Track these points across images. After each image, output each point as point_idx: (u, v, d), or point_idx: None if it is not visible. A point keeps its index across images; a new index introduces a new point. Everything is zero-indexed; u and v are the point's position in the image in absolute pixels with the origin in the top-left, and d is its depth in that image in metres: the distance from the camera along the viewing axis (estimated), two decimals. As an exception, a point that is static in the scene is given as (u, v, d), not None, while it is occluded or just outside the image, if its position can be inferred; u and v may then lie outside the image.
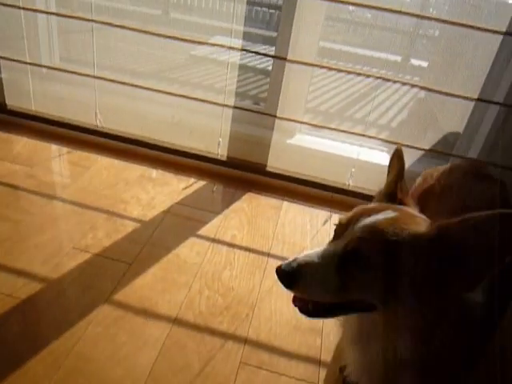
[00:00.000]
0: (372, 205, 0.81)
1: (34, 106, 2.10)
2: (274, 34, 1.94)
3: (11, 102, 2.11)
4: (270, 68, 2.02)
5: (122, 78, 1.99)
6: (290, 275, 0.72)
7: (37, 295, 1.28)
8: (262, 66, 2.30)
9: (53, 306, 1.26)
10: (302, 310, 0.78)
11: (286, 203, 1.86)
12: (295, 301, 0.79)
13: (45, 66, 2.14)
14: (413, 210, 0.80)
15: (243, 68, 1.96)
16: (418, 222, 0.73)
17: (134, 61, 2.85)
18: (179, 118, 2.04)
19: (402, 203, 0.83)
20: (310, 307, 0.77)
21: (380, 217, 0.73)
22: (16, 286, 1.29)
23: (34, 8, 2.01)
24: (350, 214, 0.77)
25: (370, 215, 0.73)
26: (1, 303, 1.23)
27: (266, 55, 1.83)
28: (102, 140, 2.03)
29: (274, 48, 1.92)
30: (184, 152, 1.98)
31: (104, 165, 1.92)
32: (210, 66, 3.34)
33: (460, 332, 0.73)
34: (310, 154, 1.96)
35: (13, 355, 1.12)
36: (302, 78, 1.90)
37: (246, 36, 1.90)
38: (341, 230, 0.76)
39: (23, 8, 1.94)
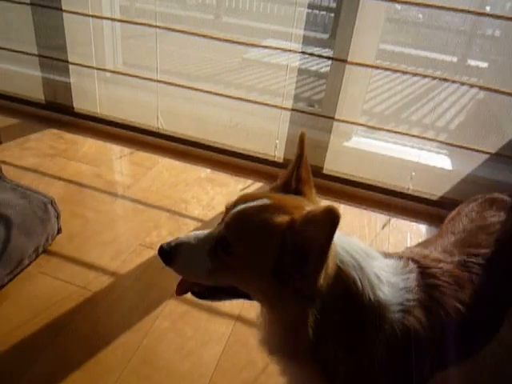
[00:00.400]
0: (255, 192, 0.79)
1: (99, 109, 2.22)
2: (326, 36, 1.93)
3: (78, 105, 2.24)
4: (323, 70, 2.03)
5: (179, 81, 2.06)
6: (166, 253, 0.74)
7: (107, 289, 1.35)
8: (315, 67, 2.31)
9: (122, 299, 1.33)
10: (192, 292, 0.81)
11: (343, 206, 1.86)
12: (180, 284, 0.81)
13: (109, 71, 2.25)
14: (299, 200, 0.76)
15: (298, 70, 1.97)
16: (290, 212, 0.69)
17: (190, 64, 2.94)
18: (237, 120, 2.08)
19: (299, 192, 0.79)
20: (196, 289, 0.80)
21: (250, 204, 0.72)
22: (88, 278, 1.37)
23: (102, 15, 2.11)
24: (235, 199, 0.77)
25: (246, 202, 0.73)
26: (75, 294, 1.32)
27: (326, 58, 1.83)
28: (163, 142, 2.11)
29: (326, 50, 1.93)
30: (241, 154, 2.02)
31: (165, 166, 2.00)
32: (263, 68, 3.38)
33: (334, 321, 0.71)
34: (367, 156, 1.95)
35: (87, 344, 1.19)
36: (361, 79, 1.89)
37: (298, 38, 1.91)
38: (225, 214, 0.76)
39: (92, 16, 2.05)
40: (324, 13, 3.10)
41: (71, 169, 1.89)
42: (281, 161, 2.00)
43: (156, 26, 1.94)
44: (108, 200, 1.74)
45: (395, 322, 0.72)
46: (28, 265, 1.37)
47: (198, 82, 2.52)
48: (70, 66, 2.16)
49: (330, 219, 0.60)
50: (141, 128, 2.14)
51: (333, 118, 1.88)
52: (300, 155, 0.81)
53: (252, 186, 1.94)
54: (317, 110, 1.96)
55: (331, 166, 1.95)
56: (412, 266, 0.79)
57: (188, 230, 1.63)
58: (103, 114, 2.20)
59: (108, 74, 2.27)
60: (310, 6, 1.97)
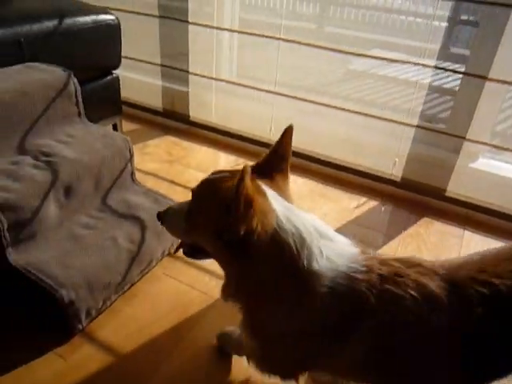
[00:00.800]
0: (227, 168, 0.93)
1: (214, 119, 2.28)
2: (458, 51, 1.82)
3: (194, 113, 2.33)
4: (452, 86, 1.92)
5: (286, 91, 2.06)
6: (159, 215, 0.96)
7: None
8: (440, 83, 2.19)
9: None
10: (183, 252, 0.99)
11: (467, 233, 1.73)
12: (178, 245, 1.01)
13: (226, 81, 2.30)
14: (258, 181, 0.85)
15: (422, 85, 1.88)
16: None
17: (294, 75, 2.94)
18: (352, 134, 2.03)
19: (272, 178, 0.89)
20: (185, 249, 0.98)
21: (212, 176, 0.88)
22: (209, 285, 1.39)
23: (225, 27, 2.18)
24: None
25: (213, 175, 0.89)
26: (198, 299, 1.34)
27: (460, 73, 1.73)
28: (275, 153, 2.11)
29: (458, 65, 1.83)
30: (356, 170, 1.97)
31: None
32: (370, 80, 3.31)
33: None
34: (496, 180, 1.80)
35: (209, 351, 1.20)
36: (496, 98, 1.76)
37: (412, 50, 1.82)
38: None
39: (216, 28, 2.13)
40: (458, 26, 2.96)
41: (188, 176, 1.95)
42: (398, 179, 1.92)
43: (274, 37, 1.96)
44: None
45: (320, 296, 0.79)
46: (154, 266, 1.43)
47: (304, 92, 2.51)
48: (190, 76, 2.26)
49: (238, 178, 0.74)
50: (254, 139, 2.17)
51: (462, 138, 1.76)
52: (278, 144, 0.93)
53: (366, 203, 1.87)
54: (444, 128, 1.85)
55: (455, 187, 1.83)
56: (374, 264, 0.82)
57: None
58: (218, 123, 2.27)
59: (223, 84, 2.33)
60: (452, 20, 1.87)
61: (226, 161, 2.12)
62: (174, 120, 2.36)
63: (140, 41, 2.34)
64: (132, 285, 1.35)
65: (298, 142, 2.10)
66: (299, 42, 1.96)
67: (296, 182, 1.97)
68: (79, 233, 1.31)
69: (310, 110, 2.09)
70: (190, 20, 2.11)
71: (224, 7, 2.17)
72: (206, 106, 2.31)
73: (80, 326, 1.19)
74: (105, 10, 1.81)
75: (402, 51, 2.66)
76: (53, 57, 1.58)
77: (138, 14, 2.20)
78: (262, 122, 2.16)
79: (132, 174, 1.54)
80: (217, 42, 2.23)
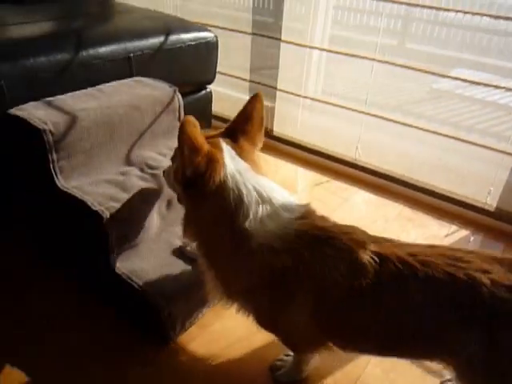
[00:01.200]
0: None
1: (298, 135, 2.29)
2: None
3: (278, 129, 2.35)
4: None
5: (372, 110, 2.03)
6: (163, 172, 1.18)
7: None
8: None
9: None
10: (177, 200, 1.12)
11: None
12: None
13: (313, 99, 2.30)
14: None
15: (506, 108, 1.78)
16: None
17: (374, 92, 2.88)
18: (445, 159, 1.95)
19: (238, 141, 0.99)
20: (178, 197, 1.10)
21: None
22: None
23: (318, 46, 2.18)
24: None
25: None
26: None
27: None
28: (360, 173, 2.08)
29: None
30: (447, 196, 1.89)
31: (362, 198, 1.97)
32: (455, 101, 3.18)
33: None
34: None
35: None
36: None
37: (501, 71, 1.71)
38: None
39: (309, 47, 2.14)
40: None
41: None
42: (492, 209, 1.81)
43: (365, 58, 1.94)
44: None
45: (253, 252, 0.90)
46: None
47: (387, 111, 2.45)
48: (277, 92, 2.28)
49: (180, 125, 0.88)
50: (339, 157, 2.15)
51: None
52: (245, 108, 1.04)
53: (457, 232, 1.79)
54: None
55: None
56: (308, 229, 0.91)
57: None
58: (302, 139, 2.27)
59: (308, 101, 2.33)
60: None
61: (309, 178, 2.12)
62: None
63: (231, 56, 2.39)
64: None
65: (384, 163, 2.10)
66: (387, 62, 1.92)
67: (384, 205, 1.92)
68: (176, 244, 1.36)
69: (397, 131, 2.04)
70: (282, 38, 2.14)
71: (317, 24, 2.18)
72: (291, 121, 2.32)
73: (174, 337, 1.23)
74: (204, 28, 1.87)
75: (489, 71, 2.54)
76: (157, 71, 1.66)
77: (232, 30, 2.26)
78: (348, 140, 2.13)
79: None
80: (307, 59, 2.24)
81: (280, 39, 2.14)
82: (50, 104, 1.32)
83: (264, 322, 1.04)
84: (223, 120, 2.45)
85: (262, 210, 0.91)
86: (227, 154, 0.95)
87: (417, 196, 1.95)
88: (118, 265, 1.24)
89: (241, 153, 0.97)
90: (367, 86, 2.10)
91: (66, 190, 1.23)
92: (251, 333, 1.30)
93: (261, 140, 1.04)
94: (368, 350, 1.04)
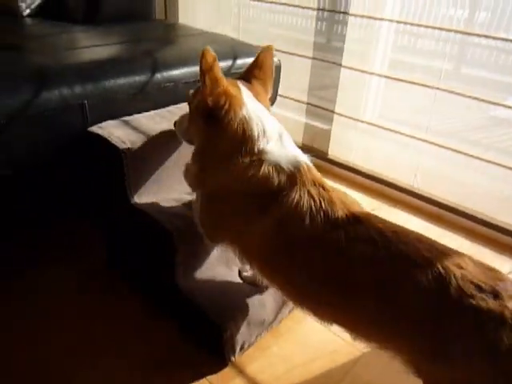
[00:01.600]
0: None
1: (353, 159, 2.29)
2: None
3: (333, 152, 2.35)
4: None
5: (430, 137, 2.00)
6: (175, 124, 1.29)
7: (375, 350, 1.33)
8: None
9: (392, 362, 1.28)
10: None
11: None
12: None
13: (372, 124, 2.28)
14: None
15: None
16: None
17: (434, 119, 2.83)
18: (508, 192, 1.90)
19: (252, 84, 1.16)
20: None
21: None
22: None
23: (378, 73, 2.19)
24: None
25: None
26: (344, 350, 1.33)
27: None
28: (416, 201, 2.05)
29: None
30: (509, 230, 1.83)
31: (420, 227, 1.91)
32: (513, 130, 3.08)
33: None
34: None
35: None
36: None
37: None
38: None
39: (370, 73, 2.15)
40: None
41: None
42: (559, 247, 1.74)
43: (425, 85, 1.92)
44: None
45: (262, 169, 1.03)
46: (300, 307, 1.45)
47: (442, 137, 2.41)
48: (335, 116, 2.29)
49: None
50: (396, 184, 2.13)
51: None
52: (258, 57, 1.18)
53: (521, 269, 1.73)
54: None
55: None
56: (304, 174, 1.07)
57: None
58: (357, 164, 2.26)
59: (366, 126, 2.33)
60: None
61: (365, 204, 2.09)
62: (313, 156, 2.40)
63: (289, 78, 2.43)
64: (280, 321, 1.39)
65: (444, 192, 2.06)
66: (446, 90, 1.90)
67: (442, 236, 1.88)
68: (237, 264, 1.38)
69: (458, 160, 2.00)
70: (343, 62, 2.16)
71: (378, 48, 2.18)
72: (348, 145, 2.32)
73: (233, 358, 1.25)
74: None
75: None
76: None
77: (293, 54, 2.30)
78: (406, 167, 2.11)
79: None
80: (366, 83, 2.24)
81: (340, 64, 2.16)
82: (127, 124, 1.39)
83: (215, 215, 1.15)
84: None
85: (277, 141, 1.09)
86: (244, 92, 1.10)
87: (477, 228, 1.90)
88: (182, 281, 1.27)
89: (255, 94, 1.13)
90: (426, 112, 2.08)
91: (138, 206, 1.29)
92: (309, 359, 1.30)
93: (271, 87, 1.21)
94: (304, 298, 1.07)
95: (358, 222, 0.97)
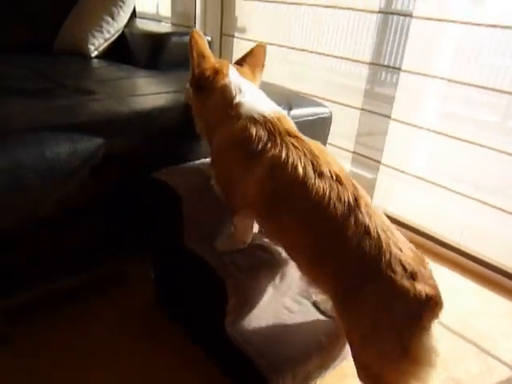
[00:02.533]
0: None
1: (398, 209, 2.29)
2: None
3: (377, 202, 2.36)
4: None
5: (473, 193, 1.99)
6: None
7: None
8: None
9: None
10: None
11: None
12: None
13: (418, 177, 2.28)
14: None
15: None
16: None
17: (483, 176, 2.80)
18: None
19: (242, 66, 1.41)
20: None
21: None
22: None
23: (424, 126, 2.22)
24: None
25: None
26: None
27: None
28: (464, 260, 2.03)
29: None
30: None
31: (465, 288, 1.90)
32: None
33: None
34: None
35: None
36: None
37: None
38: None
39: (419, 127, 2.18)
40: None
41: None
42: None
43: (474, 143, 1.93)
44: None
45: (240, 120, 1.23)
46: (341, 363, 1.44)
47: (489, 194, 2.38)
48: (381, 166, 2.32)
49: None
50: (439, 239, 2.11)
51: None
52: (252, 49, 1.43)
53: None
54: None
55: None
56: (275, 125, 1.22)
57: (499, 376, 1.48)
58: (401, 215, 2.26)
59: (411, 178, 2.34)
60: None
61: (408, 257, 2.08)
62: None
63: (336, 125, 2.49)
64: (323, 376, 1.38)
65: (492, 252, 2.01)
66: (495, 149, 1.90)
67: (490, 299, 1.83)
68: (283, 316, 1.40)
69: (508, 220, 1.97)
70: (392, 116, 2.20)
71: (427, 101, 2.22)
72: (392, 195, 2.33)
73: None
74: (322, 104, 1.99)
75: None
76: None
77: (342, 104, 2.37)
78: (453, 223, 2.10)
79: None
80: (415, 135, 2.26)
81: (389, 117, 2.21)
82: (185, 169, 1.46)
83: (223, 177, 1.30)
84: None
85: (252, 98, 1.28)
86: (231, 70, 1.31)
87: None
88: (230, 329, 1.30)
89: (241, 73, 1.34)
90: (475, 168, 2.07)
91: (192, 249, 1.34)
92: None
93: (259, 75, 1.42)
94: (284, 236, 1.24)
95: (339, 181, 1.14)
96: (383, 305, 1.08)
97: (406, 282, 1.05)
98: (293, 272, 1.45)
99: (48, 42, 2.37)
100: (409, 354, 1.07)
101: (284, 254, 1.39)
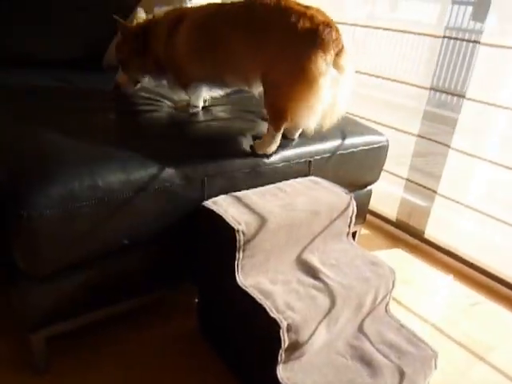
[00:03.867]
0: None
1: (453, 242, 2.18)
2: None
3: (431, 231, 2.27)
4: None
5: None
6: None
7: None
8: None
9: None
10: None
11: None
12: None
13: (477, 210, 2.18)
14: None
15: None
16: None
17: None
18: None
19: None
20: None
21: None
22: None
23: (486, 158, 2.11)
24: None
25: None
26: None
27: None
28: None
29: None
30: None
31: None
32: None
33: None
34: None
35: None
36: None
37: None
38: None
39: (477, 157, 2.07)
40: None
41: (421, 302, 1.88)
42: None
43: None
44: (466, 361, 1.62)
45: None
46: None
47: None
48: (437, 196, 2.22)
49: None
50: (498, 276, 2.00)
51: None
52: None
53: None
54: None
55: None
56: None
57: None
58: (456, 248, 2.16)
59: (468, 210, 2.23)
60: None
61: (462, 294, 1.98)
62: (405, 232, 2.34)
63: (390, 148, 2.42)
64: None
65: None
66: None
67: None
68: (336, 360, 1.34)
69: None
70: (452, 145, 2.11)
71: (490, 132, 2.11)
72: (448, 226, 2.23)
73: None
74: (378, 132, 1.92)
75: None
76: (327, 172, 1.74)
77: (397, 130, 2.29)
78: (506, 256, 1.98)
79: (387, 304, 1.54)
80: (474, 166, 2.16)
81: (448, 146, 2.12)
82: (239, 201, 1.43)
83: (166, 57, 1.67)
84: (376, 215, 2.45)
85: None
86: None
87: None
88: (281, 373, 1.25)
89: None
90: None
91: (244, 288, 1.30)
92: None
93: None
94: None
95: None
96: (287, 37, 1.38)
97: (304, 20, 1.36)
98: (347, 314, 1.40)
99: (98, 58, 2.45)
100: (304, 71, 1.35)
101: (339, 294, 1.34)
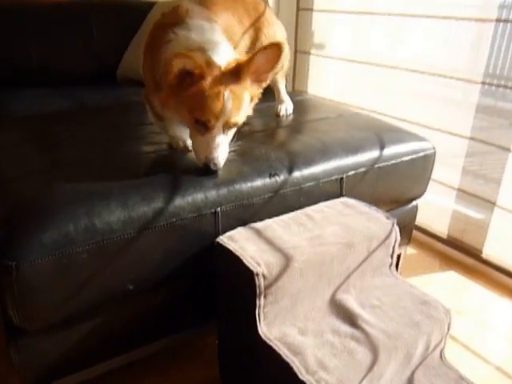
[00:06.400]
0: None
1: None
2: None
3: (490, 250, 2.03)
4: None
5: None
6: None
7: None
8: None
9: None
10: None
11: None
12: None
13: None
14: None
15: None
16: None
17: None
18: None
19: None
20: None
21: None
22: None
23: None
24: None
25: None
26: None
27: None
28: None
29: None
30: None
31: None
32: None
33: None
34: None
35: None
36: None
37: None
38: None
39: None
40: None
41: (488, 343, 1.65)
42: None
43: None
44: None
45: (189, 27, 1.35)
46: None
47: None
48: (495, 208, 1.99)
49: None
50: None
51: None
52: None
53: None
54: None
55: None
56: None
57: None
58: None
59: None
60: None
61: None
62: (459, 251, 2.11)
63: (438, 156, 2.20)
64: None
65: None
66: None
67: None
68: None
69: None
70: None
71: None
72: (510, 243, 1.99)
73: None
74: (422, 138, 1.72)
75: None
76: (363, 190, 1.55)
77: (445, 132, 2.07)
78: None
79: (442, 350, 1.34)
80: None
81: (509, 149, 1.88)
82: (260, 235, 1.27)
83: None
84: (423, 231, 2.23)
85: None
86: None
87: None
88: None
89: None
90: None
91: (268, 342, 1.14)
92: None
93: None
94: None
95: None
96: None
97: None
98: (393, 365, 1.21)
99: (111, 72, 2.51)
100: None
101: (383, 346, 1.15)
